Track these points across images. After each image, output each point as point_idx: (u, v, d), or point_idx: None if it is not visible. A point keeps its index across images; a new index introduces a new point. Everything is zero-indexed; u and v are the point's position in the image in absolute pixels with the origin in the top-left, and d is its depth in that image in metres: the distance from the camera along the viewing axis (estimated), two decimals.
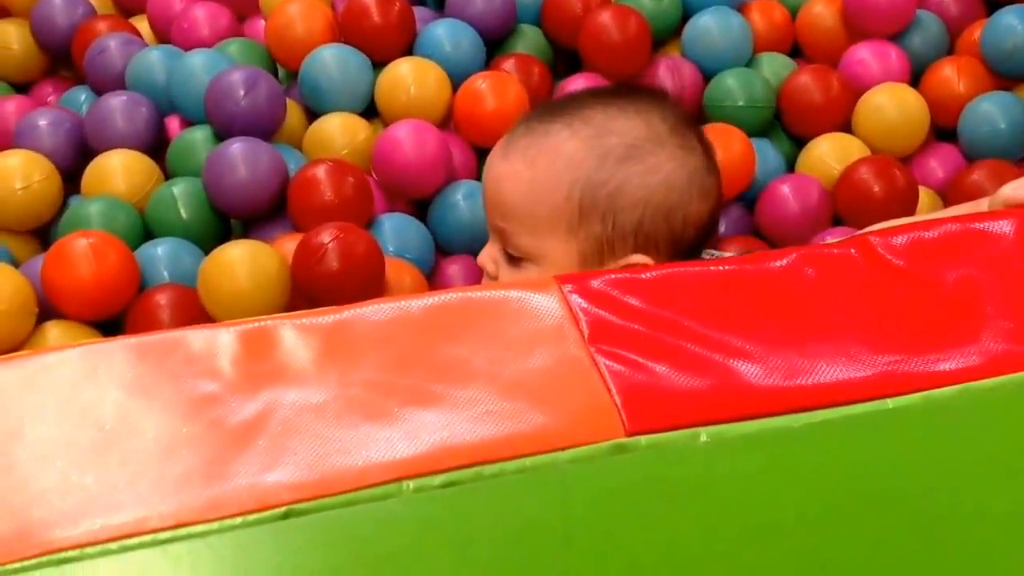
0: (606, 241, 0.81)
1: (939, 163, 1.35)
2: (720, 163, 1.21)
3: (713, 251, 0.92)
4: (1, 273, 1.09)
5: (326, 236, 1.09)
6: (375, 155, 1.24)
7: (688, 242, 0.83)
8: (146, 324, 1.10)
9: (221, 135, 1.24)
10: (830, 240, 1.22)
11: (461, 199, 1.20)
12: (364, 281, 1.09)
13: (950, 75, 1.36)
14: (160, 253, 1.16)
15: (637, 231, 0.81)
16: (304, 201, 1.18)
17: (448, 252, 1.22)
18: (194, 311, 1.10)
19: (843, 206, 1.27)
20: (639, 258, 0.81)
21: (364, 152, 1.27)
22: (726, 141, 1.24)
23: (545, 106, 0.85)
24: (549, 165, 0.81)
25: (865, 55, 1.37)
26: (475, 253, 0.99)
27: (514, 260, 0.85)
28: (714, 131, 1.26)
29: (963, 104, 1.34)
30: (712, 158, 0.84)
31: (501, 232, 0.86)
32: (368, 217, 1.19)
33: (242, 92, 1.23)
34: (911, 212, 1.25)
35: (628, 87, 0.85)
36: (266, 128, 1.24)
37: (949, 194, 1.31)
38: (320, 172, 1.18)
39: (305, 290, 1.10)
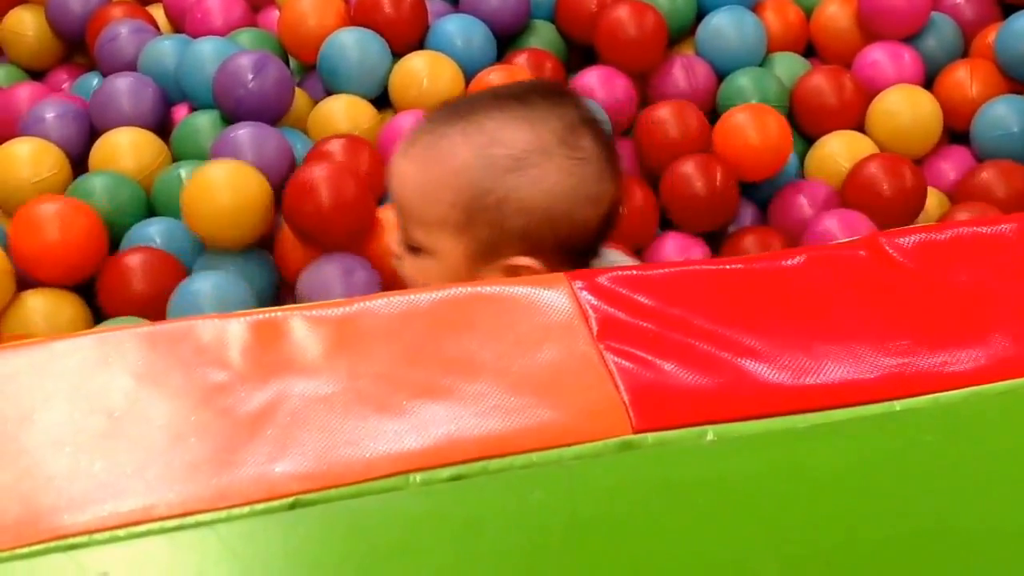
0: (491, 244, 0.85)
1: (951, 165, 1.35)
2: (756, 143, 1.23)
3: (613, 251, 0.95)
4: None
5: (316, 170, 1.12)
6: (380, 144, 1.25)
7: (577, 246, 0.87)
8: (117, 286, 1.12)
9: (229, 118, 1.24)
10: (827, 222, 1.22)
11: None
12: (352, 216, 1.11)
13: (964, 78, 1.36)
14: (153, 232, 1.18)
15: (523, 236, 0.85)
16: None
17: None
18: (164, 273, 1.12)
19: (852, 204, 1.27)
20: (525, 260, 0.84)
21: (369, 139, 1.27)
22: (761, 122, 1.25)
23: (448, 107, 0.88)
24: (440, 171, 0.85)
25: (879, 56, 1.37)
26: None
27: (413, 248, 0.88)
28: (750, 111, 1.26)
29: (976, 107, 1.34)
30: (611, 161, 0.87)
31: (401, 224, 0.89)
32: (378, 194, 1.19)
33: (250, 75, 1.23)
34: (919, 210, 1.25)
35: (531, 89, 0.88)
36: (273, 111, 1.25)
37: (957, 194, 1.31)
38: (334, 146, 1.20)
39: (296, 225, 1.12)
